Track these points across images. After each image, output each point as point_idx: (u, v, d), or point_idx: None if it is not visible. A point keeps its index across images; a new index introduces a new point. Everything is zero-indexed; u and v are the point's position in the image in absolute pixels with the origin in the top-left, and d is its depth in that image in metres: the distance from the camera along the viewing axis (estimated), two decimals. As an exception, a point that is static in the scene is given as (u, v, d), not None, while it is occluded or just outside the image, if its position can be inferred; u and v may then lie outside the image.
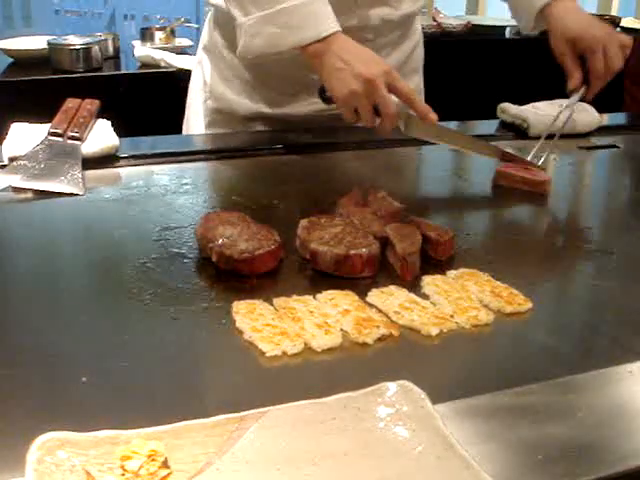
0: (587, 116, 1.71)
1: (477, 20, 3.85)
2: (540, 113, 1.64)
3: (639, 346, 0.85)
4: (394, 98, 1.27)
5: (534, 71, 3.07)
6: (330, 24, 1.31)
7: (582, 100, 1.50)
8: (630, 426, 0.71)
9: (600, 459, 0.66)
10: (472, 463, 0.59)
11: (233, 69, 1.58)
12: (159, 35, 3.11)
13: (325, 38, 1.30)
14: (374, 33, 1.54)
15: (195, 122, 1.70)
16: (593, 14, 2.25)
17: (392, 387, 0.66)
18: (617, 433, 0.69)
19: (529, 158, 1.37)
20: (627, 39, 1.48)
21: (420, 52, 1.78)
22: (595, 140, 1.67)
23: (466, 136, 1.47)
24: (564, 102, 1.53)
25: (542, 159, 1.38)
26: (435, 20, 3.56)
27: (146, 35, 3.11)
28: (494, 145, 1.43)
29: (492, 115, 1.78)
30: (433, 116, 1.28)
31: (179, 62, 2.80)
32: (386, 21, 1.54)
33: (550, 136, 1.46)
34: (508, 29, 3.70)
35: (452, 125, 1.78)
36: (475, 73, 3.19)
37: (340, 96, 1.28)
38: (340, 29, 1.32)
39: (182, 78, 1.94)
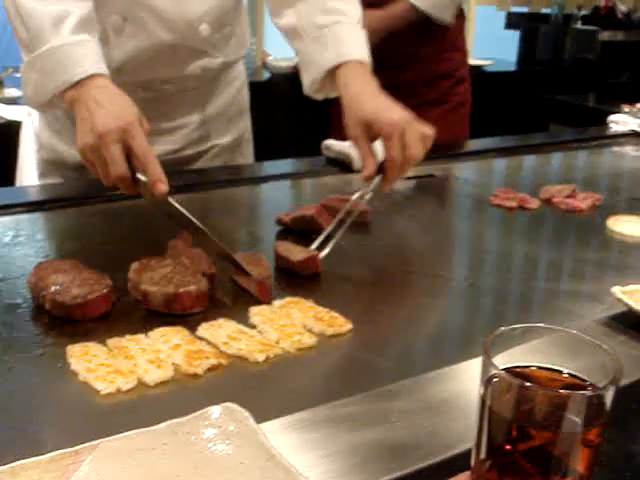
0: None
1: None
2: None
3: (452, 356, 0.94)
4: None
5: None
6: (87, 66, 1.23)
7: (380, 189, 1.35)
8: (438, 426, 0.79)
9: (411, 455, 0.73)
10: (292, 470, 0.65)
11: (60, 120, 1.60)
12: (-13, 86, 3.07)
13: (80, 82, 1.22)
14: (196, 81, 1.60)
15: (28, 173, 1.71)
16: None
17: (217, 410, 0.72)
18: (426, 432, 0.77)
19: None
20: (428, 130, 1.33)
21: (245, 94, 1.85)
22: (414, 170, 1.79)
23: (201, 228, 1.15)
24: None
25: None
26: (264, 62, 3.68)
27: (-25, 87, 3.07)
28: (225, 248, 1.15)
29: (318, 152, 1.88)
30: (161, 187, 1.13)
31: (9, 113, 2.77)
32: (207, 70, 1.60)
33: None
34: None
35: (283, 163, 1.87)
36: (303, 112, 3.31)
37: (78, 149, 1.20)
38: (102, 72, 1.24)
39: (13, 129, 1.94)
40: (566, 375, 0.60)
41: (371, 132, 1.32)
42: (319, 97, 1.53)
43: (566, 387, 0.58)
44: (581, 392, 0.55)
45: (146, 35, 1.47)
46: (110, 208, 1.48)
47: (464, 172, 1.89)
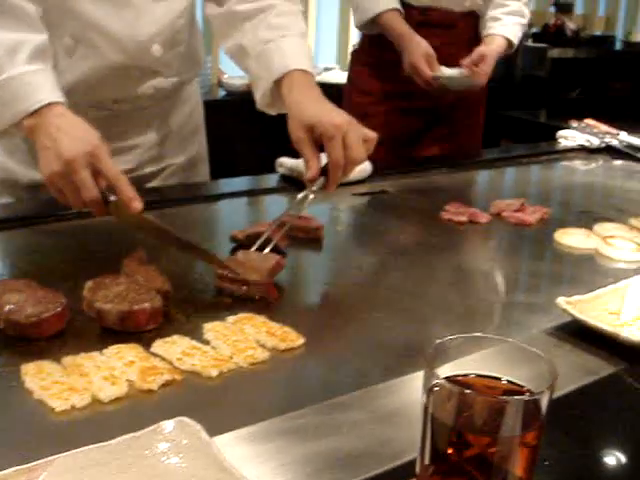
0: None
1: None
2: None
3: (402, 368, 0.96)
4: None
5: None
6: (44, 95, 1.23)
7: (322, 189, 1.35)
8: (388, 435, 0.81)
9: (362, 464, 0.75)
10: (244, 481, 0.67)
11: (12, 140, 1.59)
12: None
13: (38, 111, 1.22)
14: (150, 101, 1.61)
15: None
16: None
17: (170, 424, 0.73)
18: (377, 442, 0.79)
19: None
20: (372, 134, 1.37)
21: (199, 113, 1.87)
22: (368, 187, 1.83)
23: (183, 240, 1.22)
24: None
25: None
26: (219, 81, 3.70)
27: None
28: (212, 254, 1.23)
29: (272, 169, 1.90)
30: (137, 205, 1.16)
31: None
32: (160, 89, 1.62)
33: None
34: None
35: (238, 180, 1.89)
36: (258, 129, 3.33)
37: (44, 177, 1.20)
38: (59, 100, 1.25)
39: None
40: (504, 382, 0.62)
41: (314, 135, 1.34)
42: (272, 112, 1.56)
43: (504, 393, 0.61)
44: (518, 397, 0.58)
45: (98, 57, 1.48)
46: (64, 227, 1.48)
47: (417, 188, 1.92)
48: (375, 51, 2.56)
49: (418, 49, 2.34)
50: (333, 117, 1.34)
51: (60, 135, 1.18)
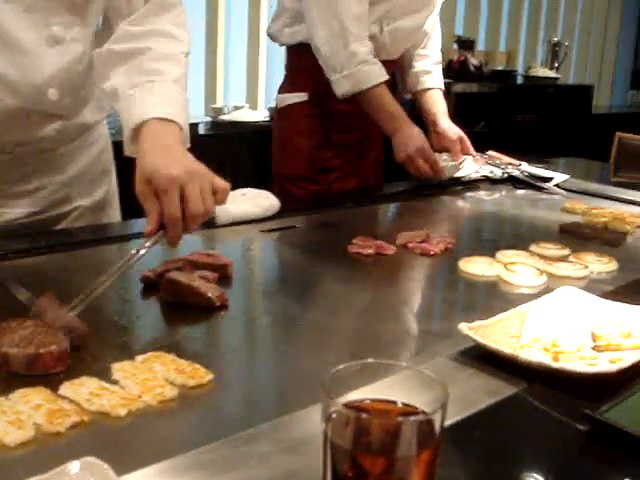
0: (267, 201, 1.89)
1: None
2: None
3: (310, 399, 0.98)
4: None
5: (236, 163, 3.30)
6: None
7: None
8: (296, 466, 0.82)
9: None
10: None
11: None
12: None
13: None
14: (53, 143, 1.60)
15: None
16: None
17: (76, 465, 0.74)
18: (285, 473, 0.80)
19: None
20: (222, 185, 1.32)
21: (109, 155, 1.86)
22: (277, 223, 1.85)
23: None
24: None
25: None
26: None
27: None
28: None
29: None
30: None
31: None
32: (63, 133, 1.61)
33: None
34: (201, 125, 3.92)
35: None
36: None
37: None
38: None
39: None
40: (400, 405, 0.65)
41: (152, 188, 1.28)
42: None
43: (400, 415, 0.63)
44: (411, 418, 0.60)
45: None
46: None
47: (324, 222, 1.95)
48: (330, 100, 2.41)
49: (414, 141, 2.29)
50: (170, 169, 1.27)
51: None
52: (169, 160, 1.31)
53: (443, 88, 2.66)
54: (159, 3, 1.57)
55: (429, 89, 2.61)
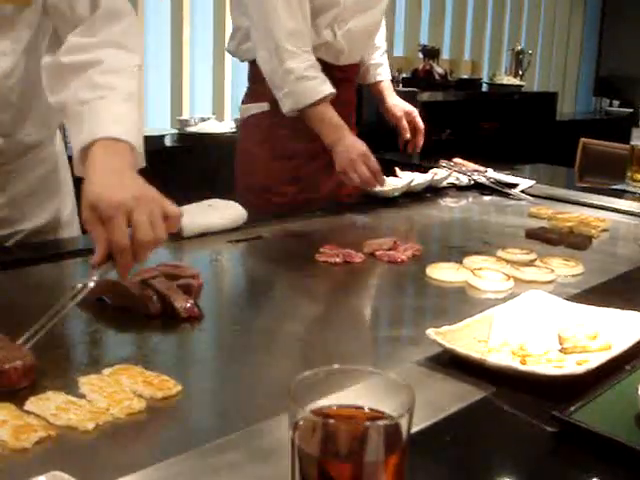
0: (234, 212, 1.88)
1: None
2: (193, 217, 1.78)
3: (280, 408, 0.98)
4: None
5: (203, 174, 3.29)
6: None
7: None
8: (267, 475, 0.81)
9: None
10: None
11: None
12: None
13: None
14: None
15: None
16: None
17: (42, 479, 0.73)
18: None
19: None
20: (174, 210, 1.24)
21: (61, 174, 1.79)
22: (243, 233, 1.85)
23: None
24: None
25: None
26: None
27: None
28: None
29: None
30: None
31: None
32: (1, 152, 1.56)
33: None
34: (167, 137, 3.91)
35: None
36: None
37: None
38: None
39: None
40: (367, 410, 0.65)
41: (98, 215, 1.18)
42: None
43: (367, 420, 0.63)
44: (378, 422, 0.60)
45: None
46: None
47: (292, 232, 1.95)
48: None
49: (357, 147, 2.24)
50: (115, 195, 1.18)
51: None
52: (115, 185, 1.22)
53: (391, 77, 2.78)
54: (108, 10, 1.46)
55: (382, 82, 2.71)
